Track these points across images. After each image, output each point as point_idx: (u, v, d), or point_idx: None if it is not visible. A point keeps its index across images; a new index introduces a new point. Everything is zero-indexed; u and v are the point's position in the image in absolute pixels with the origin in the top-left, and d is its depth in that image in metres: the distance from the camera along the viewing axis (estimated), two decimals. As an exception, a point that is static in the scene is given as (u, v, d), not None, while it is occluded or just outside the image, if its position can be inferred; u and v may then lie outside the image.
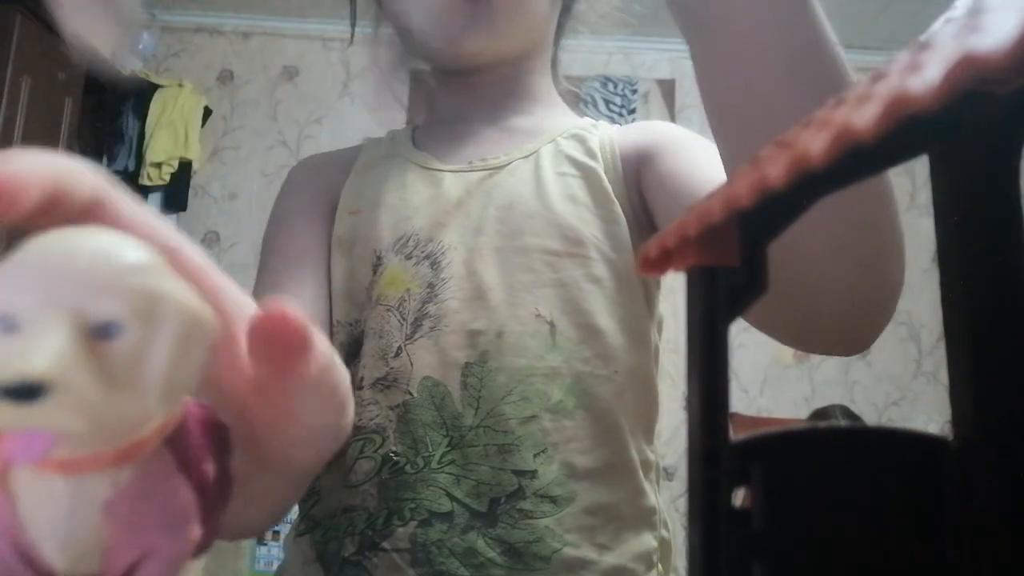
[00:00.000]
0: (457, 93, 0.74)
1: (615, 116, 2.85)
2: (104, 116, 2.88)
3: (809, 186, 0.16)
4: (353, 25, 0.79)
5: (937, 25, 0.15)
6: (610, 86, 2.89)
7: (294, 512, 0.62)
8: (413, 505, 0.58)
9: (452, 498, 0.58)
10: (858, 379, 2.98)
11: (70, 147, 2.55)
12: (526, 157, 0.68)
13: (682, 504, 2.98)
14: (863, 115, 0.13)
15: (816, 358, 2.99)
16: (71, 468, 0.21)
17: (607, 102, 2.87)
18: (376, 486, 0.60)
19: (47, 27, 2.38)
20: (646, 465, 0.67)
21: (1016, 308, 0.17)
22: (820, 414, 2.50)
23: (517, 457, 0.58)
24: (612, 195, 0.64)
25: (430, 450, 0.59)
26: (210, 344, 0.22)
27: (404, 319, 0.62)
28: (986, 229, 0.17)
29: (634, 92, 2.88)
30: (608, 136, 0.69)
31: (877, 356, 2.98)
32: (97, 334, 0.19)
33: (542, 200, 0.64)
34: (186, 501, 0.23)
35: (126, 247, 0.21)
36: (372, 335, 0.63)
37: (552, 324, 0.61)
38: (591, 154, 0.67)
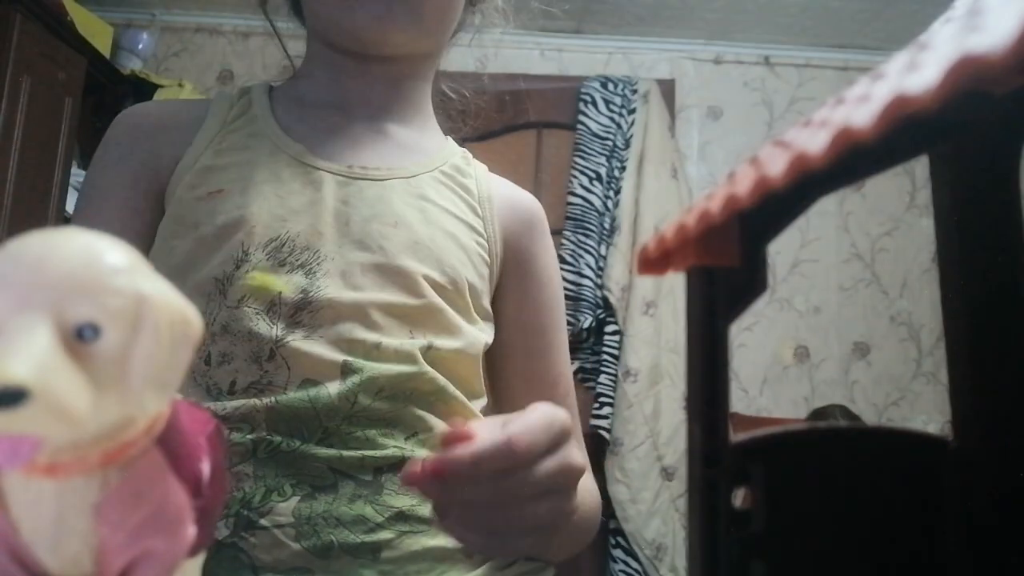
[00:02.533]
0: (344, 78, 0.70)
1: (615, 116, 2.85)
2: (104, 116, 2.88)
3: (809, 186, 0.16)
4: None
5: (937, 25, 0.15)
6: (610, 86, 2.89)
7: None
8: (294, 481, 0.57)
9: (335, 471, 0.58)
10: (858, 379, 2.98)
11: (70, 147, 2.55)
12: (407, 179, 0.68)
13: (682, 504, 2.94)
14: (863, 115, 0.13)
15: (816, 357, 2.99)
16: (58, 471, 0.21)
17: (607, 102, 2.87)
18: (252, 465, 0.57)
19: (47, 27, 2.38)
20: None
21: (1016, 308, 0.17)
22: (819, 414, 2.50)
23: (393, 440, 0.60)
24: (486, 252, 0.69)
25: (305, 435, 0.58)
26: (194, 343, 0.21)
27: (275, 322, 0.59)
28: (986, 229, 0.17)
29: (634, 92, 2.87)
30: (488, 194, 0.71)
31: (877, 356, 2.98)
32: (78, 336, 0.19)
33: (428, 231, 0.64)
34: (179, 501, 0.22)
35: (106, 248, 0.20)
36: (236, 336, 0.59)
37: (428, 346, 0.62)
38: (472, 206, 0.70)
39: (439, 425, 0.62)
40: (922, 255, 3.00)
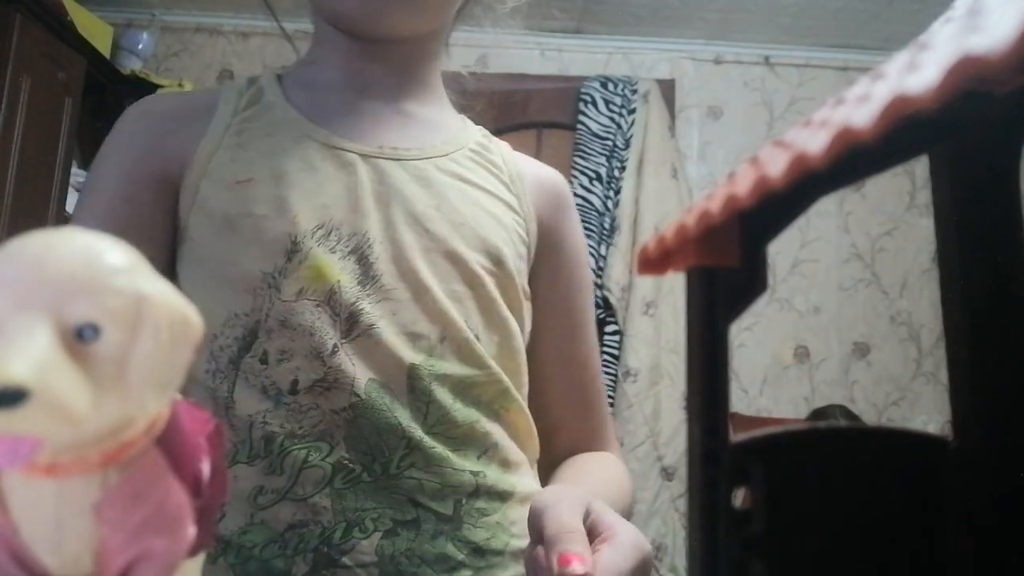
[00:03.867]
0: (354, 60, 0.67)
1: (615, 116, 2.85)
2: (104, 116, 2.88)
3: (809, 186, 0.16)
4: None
5: (937, 25, 0.15)
6: (610, 86, 2.89)
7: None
8: (375, 515, 0.55)
9: (416, 503, 0.56)
10: (858, 379, 2.98)
11: (70, 147, 2.55)
12: (440, 157, 0.65)
13: (682, 504, 2.94)
14: (863, 115, 0.13)
15: (816, 357, 2.99)
16: (58, 471, 0.21)
17: (607, 102, 2.87)
18: (329, 497, 0.55)
19: (47, 27, 2.37)
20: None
21: (1016, 308, 0.17)
22: (819, 414, 2.50)
23: (469, 460, 0.59)
24: (524, 230, 0.67)
25: (387, 455, 0.56)
26: (195, 343, 0.21)
27: (337, 315, 0.56)
28: (986, 229, 0.17)
29: (634, 92, 2.87)
30: (516, 171, 0.70)
31: (877, 356, 2.99)
32: (78, 336, 0.19)
33: (471, 211, 0.63)
34: (180, 501, 0.22)
35: (106, 248, 0.20)
36: (296, 331, 0.56)
37: (478, 337, 0.61)
38: (505, 183, 0.68)
39: (504, 442, 0.62)
40: (922, 255, 3.00)
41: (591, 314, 0.74)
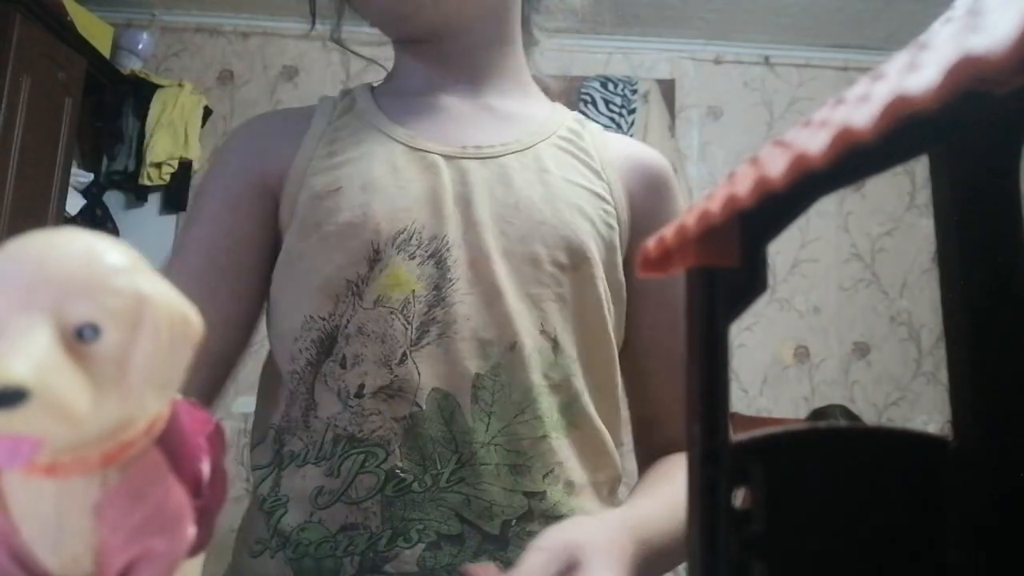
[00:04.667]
0: (420, 62, 0.69)
1: (615, 116, 2.85)
2: (104, 116, 2.88)
3: (809, 186, 0.16)
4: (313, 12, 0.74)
5: (937, 25, 0.15)
6: (610, 86, 2.89)
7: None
8: (421, 526, 0.55)
9: (463, 519, 0.56)
10: (858, 379, 2.98)
11: (70, 147, 2.55)
12: (523, 151, 0.64)
13: (682, 504, 2.97)
14: (863, 115, 0.13)
15: (816, 357, 2.99)
16: (58, 471, 0.21)
17: (607, 102, 2.87)
18: (379, 503, 0.55)
19: (47, 27, 2.37)
20: (618, 477, 0.67)
21: (1016, 308, 0.17)
22: (819, 414, 2.50)
23: (528, 478, 0.57)
24: (613, 217, 0.64)
25: (439, 467, 0.56)
26: (195, 343, 0.21)
27: (409, 323, 0.57)
28: (986, 229, 0.17)
29: (634, 92, 2.87)
30: (608, 157, 0.67)
31: (877, 356, 2.99)
32: (79, 336, 0.19)
33: (552, 207, 0.61)
34: (180, 501, 0.22)
35: (106, 248, 0.20)
36: (370, 337, 0.57)
37: (555, 340, 0.59)
38: (595, 170, 0.65)
39: (571, 461, 0.60)
40: (922, 255, 3.00)
41: None
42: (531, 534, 0.55)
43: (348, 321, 0.58)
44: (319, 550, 0.55)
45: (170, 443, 0.23)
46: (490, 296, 0.58)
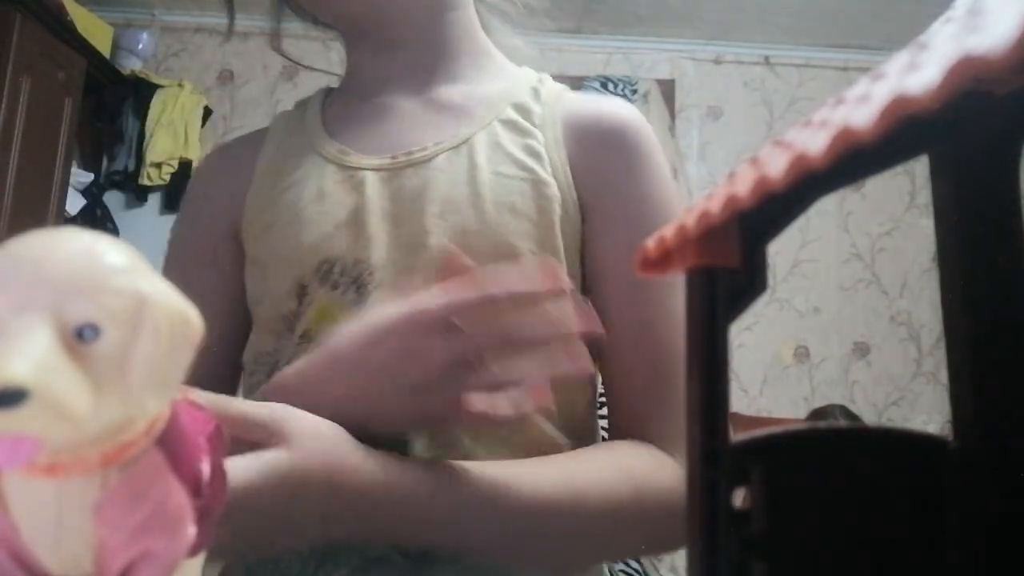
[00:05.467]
0: (369, 57, 0.65)
1: (615, 116, 2.85)
2: (104, 116, 2.88)
3: (809, 186, 0.16)
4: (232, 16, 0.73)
5: (937, 25, 0.15)
6: (610, 86, 2.89)
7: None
8: (347, 551, 0.53)
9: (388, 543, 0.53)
10: (858, 379, 2.98)
11: (70, 147, 2.55)
12: (456, 148, 0.59)
13: (682, 504, 2.96)
14: (863, 115, 0.13)
15: (816, 357, 2.99)
16: (58, 471, 0.21)
17: (607, 102, 2.88)
18: None
19: (47, 27, 2.38)
20: None
21: (1016, 308, 0.17)
22: (818, 414, 2.50)
23: None
24: (555, 201, 0.58)
25: None
26: (195, 343, 0.21)
27: None
28: (986, 229, 0.17)
29: (634, 92, 2.87)
30: (554, 134, 0.60)
31: (877, 356, 2.99)
32: (78, 336, 0.19)
33: (478, 210, 0.57)
34: (180, 501, 0.22)
35: (106, 248, 0.20)
36: None
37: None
38: (536, 152, 0.59)
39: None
40: (922, 255, 3.00)
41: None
42: (454, 555, 0.53)
43: (288, 358, 0.56)
44: (260, 570, 0.54)
45: (170, 443, 0.23)
46: None
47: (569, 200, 0.59)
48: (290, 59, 0.75)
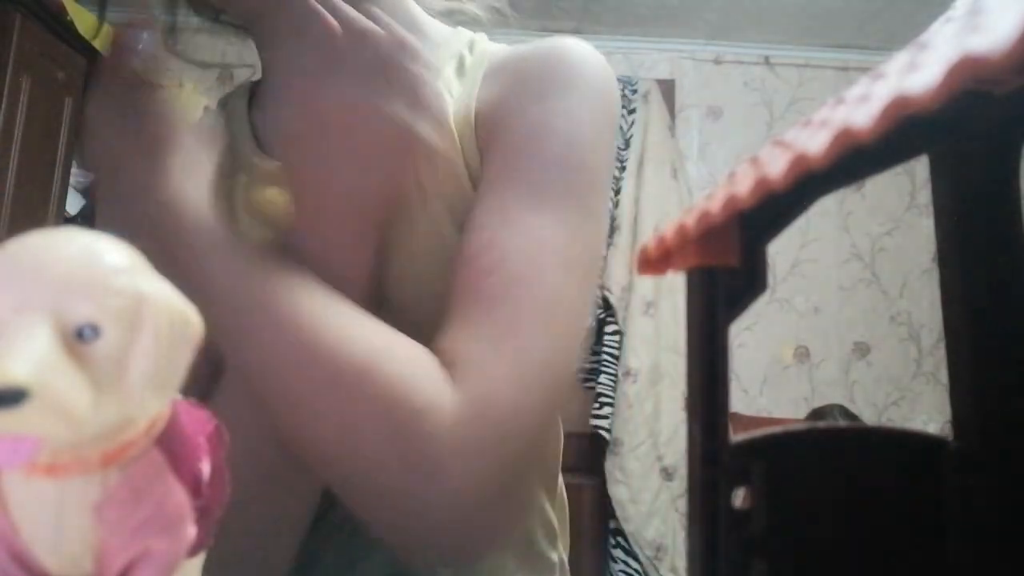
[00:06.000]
0: (265, 48, 0.57)
1: (615, 116, 2.85)
2: (104, 116, 2.88)
3: (809, 186, 0.16)
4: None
5: (937, 25, 0.15)
6: (610, 86, 2.90)
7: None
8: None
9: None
10: (858, 379, 2.98)
11: (70, 147, 2.55)
12: None
13: (682, 504, 2.95)
14: (863, 115, 0.13)
15: (816, 357, 2.99)
16: (58, 471, 0.21)
17: (607, 102, 2.87)
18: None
19: (47, 27, 2.37)
20: (545, 526, 0.56)
21: (1016, 308, 0.17)
22: (818, 414, 2.50)
23: None
24: (467, 184, 0.49)
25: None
26: (195, 343, 0.21)
27: None
28: (986, 229, 0.17)
29: (634, 92, 2.87)
30: (477, 64, 0.53)
31: (877, 356, 2.98)
32: (78, 336, 0.19)
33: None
34: (179, 501, 0.23)
35: (106, 248, 0.20)
36: None
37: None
38: (441, 119, 0.46)
39: None
40: (922, 255, 3.00)
41: (547, 196, 0.46)
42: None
43: None
44: None
45: (170, 443, 0.23)
46: None
47: (474, 167, 0.50)
48: (193, 62, 0.66)
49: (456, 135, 0.50)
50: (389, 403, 0.39)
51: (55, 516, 0.21)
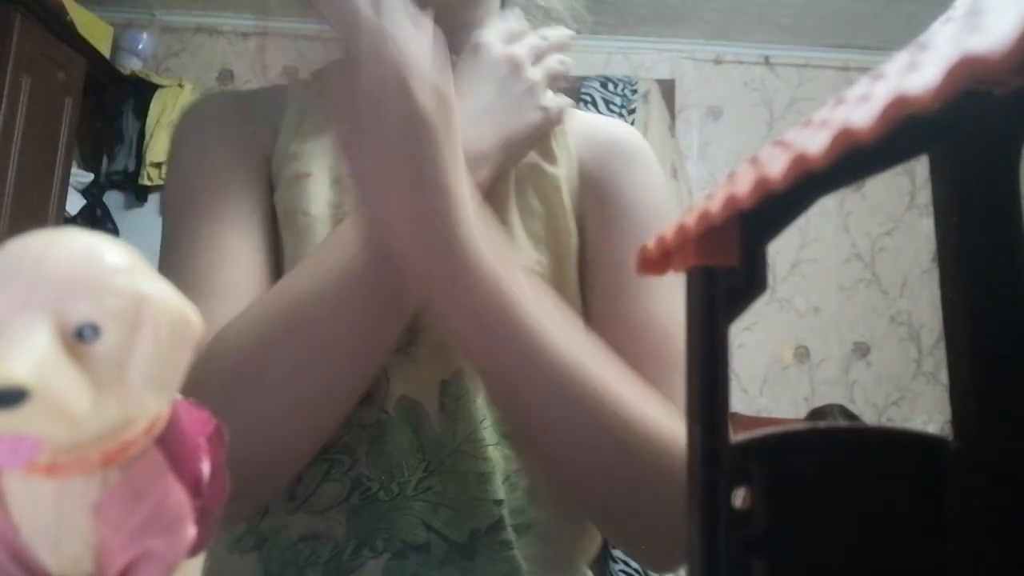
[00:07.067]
0: None
1: (615, 116, 2.85)
2: (104, 116, 2.88)
3: (809, 186, 0.16)
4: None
5: (937, 25, 0.15)
6: (610, 86, 2.89)
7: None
8: (387, 535, 0.53)
9: (429, 528, 0.54)
10: (858, 379, 2.98)
11: (70, 147, 2.55)
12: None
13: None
14: (863, 115, 0.13)
15: (816, 358, 2.99)
16: (58, 472, 0.21)
17: (607, 102, 2.87)
18: (344, 513, 0.53)
19: (47, 27, 2.37)
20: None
21: (1016, 308, 0.17)
22: (817, 414, 2.50)
23: (494, 485, 0.55)
24: (568, 210, 0.60)
25: (406, 475, 0.54)
26: (195, 343, 0.21)
27: None
28: (986, 229, 0.17)
29: (634, 92, 2.87)
30: (566, 139, 0.63)
31: (877, 356, 2.99)
32: (78, 336, 0.19)
33: (502, 213, 0.57)
34: (179, 501, 0.22)
35: (106, 248, 0.20)
36: None
37: None
38: (549, 155, 0.61)
39: (529, 469, 0.56)
40: (922, 255, 3.00)
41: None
42: (500, 543, 0.54)
43: None
44: (285, 555, 0.54)
45: (170, 443, 0.23)
46: None
47: (574, 198, 0.61)
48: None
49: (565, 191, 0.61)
50: (676, 470, 0.42)
51: (55, 516, 0.21)
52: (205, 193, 0.57)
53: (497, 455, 0.56)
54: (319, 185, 0.57)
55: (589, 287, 0.60)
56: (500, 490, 0.55)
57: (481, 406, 0.56)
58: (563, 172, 0.61)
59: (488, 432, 0.56)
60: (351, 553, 0.53)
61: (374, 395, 0.54)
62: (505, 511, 0.55)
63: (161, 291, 0.21)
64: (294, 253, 0.55)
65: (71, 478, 0.21)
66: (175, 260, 0.55)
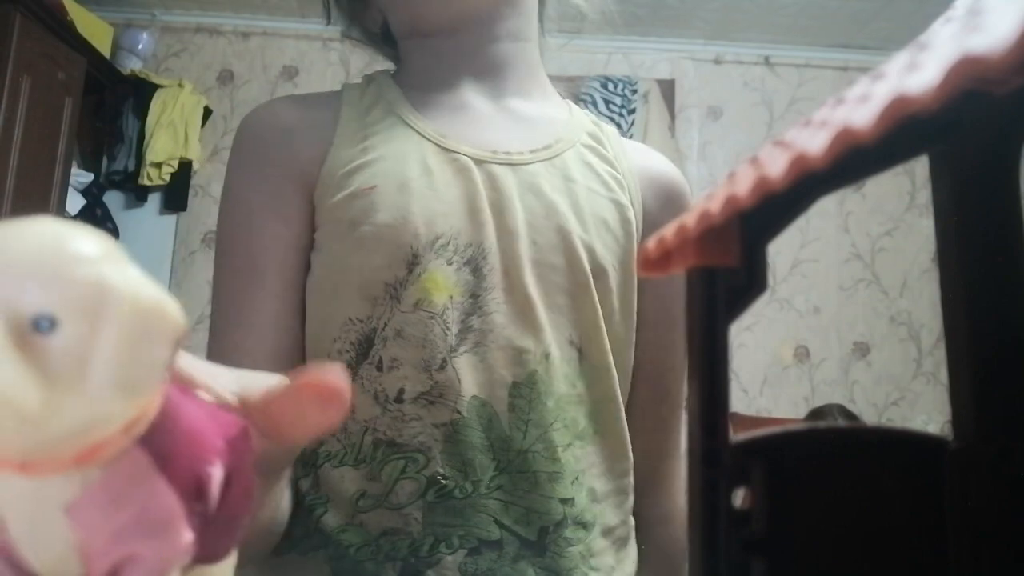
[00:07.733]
0: (434, 58, 0.67)
1: (615, 116, 2.85)
2: (104, 116, 2.88)
3: (809, 186, 0.16)
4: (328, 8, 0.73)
5: (937, 25, 0.15)
6: (610, 86, 2.89)
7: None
8: (462, 532, 0.56)
9: (501, 525, 0.56)
10: (858, 379, 2.98)
11: (70, 147, 2.55)
12: (550, 160, 0.64)
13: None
14: (863, 115, 0.13)
15: (816, 357, 2.99)
16: (30, 469, 0.19)
17: (607, 102, 2.87)
18: (420, 509, 0.56)
19: (47, 27, 2.37)
20: (632, 485, 0.67)
21: (1016, 308, 0.17)
22: (817, 413, 2.50)
23: (561, 485, 0.58)
24: (634, 226, 0.64)
25: (479, 474, 0.56)
26: (173, 337, 0.20)
27: (448, 329, 0.57)
28: (986, 229, 0.17)
29: (634, 92, 2.87)
30: (628, 165, 0.67)
31: (877, 356, 2.99)
32: (34, 328, 0.18)
33: (579, 218, 0.61)
34: (166, 504, 0.21)
35: (74, 236, 0.19)
36: (408, 341, 0.57)
37: (580, 350, 0.60)
38: (618, 180, 0.65)
39: (595, 468, 0.61)
40: (922, 255, 3.00)
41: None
42: (565, 540, 0.57)
43: (385, 324, 0.57)
44: (359, 553, 0.56)
45: (160, 443, 0.21)
46: (523, 306, 0.58)
47: (639, 232, 0.65)
48: (377, 50, 0.74)
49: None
50: None
51: (31, 514, 0.20)
52: (237, 204, 0.62)
53: (568, 457, 0.59)
54: (384, 196, 0.58)
55: (641, 337, 0.66)
56: (568, 489, 0.58)
57: (553, 408, 0.58)
58: (628, 198, 0.65)
59: (558, 434, 0.58)
60: (428, 549, 0.55)
61: (446, 395, 0.57)
62: (571, 509, 0.58)
63: (132, 282, 0.19)
64: (366, 261, 0.58)
65: (46, 477, 0.20)
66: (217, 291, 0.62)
